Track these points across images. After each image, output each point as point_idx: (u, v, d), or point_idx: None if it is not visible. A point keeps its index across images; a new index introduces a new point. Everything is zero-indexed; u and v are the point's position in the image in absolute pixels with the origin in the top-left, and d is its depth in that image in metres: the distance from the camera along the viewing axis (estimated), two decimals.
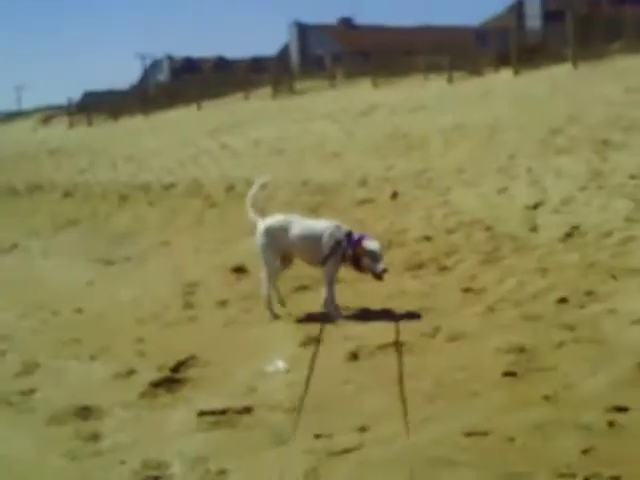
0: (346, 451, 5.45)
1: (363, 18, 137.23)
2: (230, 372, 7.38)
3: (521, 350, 7.08)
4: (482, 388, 6.33)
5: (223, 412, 6.30)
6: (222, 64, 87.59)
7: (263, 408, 6.39)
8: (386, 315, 8.32)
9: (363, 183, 17.66)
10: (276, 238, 9.03)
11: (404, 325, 7.82)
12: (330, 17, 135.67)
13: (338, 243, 8.69)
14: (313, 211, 15.60)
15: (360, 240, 8.64)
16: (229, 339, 8.53)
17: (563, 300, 8.50)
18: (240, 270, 11.50)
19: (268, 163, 23.38)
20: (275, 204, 16.57)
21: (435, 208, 14.30)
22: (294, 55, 74.66)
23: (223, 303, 10.01)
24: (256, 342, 8.27)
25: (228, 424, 6.15)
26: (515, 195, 14.25)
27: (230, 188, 19.63)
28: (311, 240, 8.89)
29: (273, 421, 6.12)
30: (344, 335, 8.11)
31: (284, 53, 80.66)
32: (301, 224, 9.09)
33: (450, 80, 36.68)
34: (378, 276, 8.58)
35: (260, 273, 9.30)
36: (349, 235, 8.73)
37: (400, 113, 28.79)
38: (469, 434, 5.47)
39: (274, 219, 9.20)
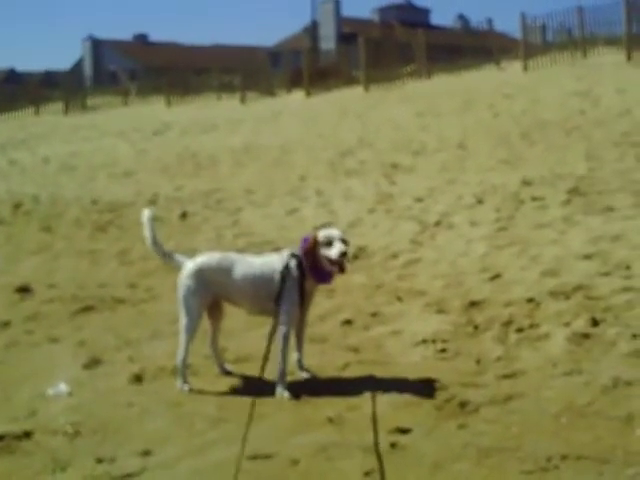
0: (128, 476, 5.35)
1: (158, 35, 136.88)
2: (11, 395, 7.12)
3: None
4: (268, 411, 6.31)
5: (1, 438, 6.02)
6: (13, 77, 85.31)
7: (44, 432, 6.17)
8: (174, 337, 8.12)
9: (153, 202, 17.44)
10: (210, 281, 7.00)
11: (191, 347, 7.68)
12: (126, 33, 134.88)
13: (286, 268, 6.80)
14: (102, 229, 15.31)
15: (309, 238, 6.88)
16: (11, 361, 8.19)
17: (348, 322, 8.62)
18: (24, 290, 11.11)
19: (58, 180, 22.90)
20: (64, 222, 16.20)
21: (225, 229, 14.32)
22: (87, 70, 73.45)
23: (6, 324, 9.57)
24: (38, 364, 7.99)
25: (6, 450, 5.89)
26: (304, 216, 14.40)
27: (18, 205, 18.95)
28: (264, 279, 6.90)
29: (53, 446, 5.93)
30: (128, 357, 7.97)
31: (78, 68, 79.36)
32: (246, 261, 7.07)
33: (243, 100, 36.96)
34: (339, 264, 6.66)
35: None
36: (294, 255, 6.85)
37: (192, 133, 28.78)
38: (253, 457, 5.43)
39: (209, 257, 7.14)
